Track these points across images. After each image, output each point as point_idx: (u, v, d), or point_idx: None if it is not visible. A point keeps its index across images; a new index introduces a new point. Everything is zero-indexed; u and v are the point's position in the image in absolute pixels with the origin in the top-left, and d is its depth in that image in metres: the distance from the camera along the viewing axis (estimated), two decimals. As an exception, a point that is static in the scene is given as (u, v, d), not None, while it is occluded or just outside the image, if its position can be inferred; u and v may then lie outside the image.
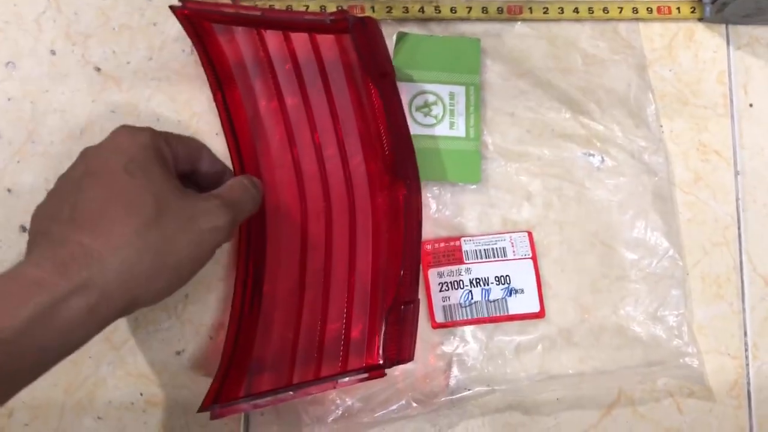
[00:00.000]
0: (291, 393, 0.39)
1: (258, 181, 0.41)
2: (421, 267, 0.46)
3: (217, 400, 0.40)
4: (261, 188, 0.40)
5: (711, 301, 0.48)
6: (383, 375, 0.39)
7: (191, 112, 0.46)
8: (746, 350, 0.48)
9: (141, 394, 0.44)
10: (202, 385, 0.44)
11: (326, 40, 0.43)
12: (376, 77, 0.42)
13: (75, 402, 0.43)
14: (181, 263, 0.34)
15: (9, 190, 0.45)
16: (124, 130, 0.36)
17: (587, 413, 0.46)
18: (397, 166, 0.42)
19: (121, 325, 0.44)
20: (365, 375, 0.39)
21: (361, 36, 0.41)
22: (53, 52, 0.46)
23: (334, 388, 0.40)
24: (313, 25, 0.42)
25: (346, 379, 0.39)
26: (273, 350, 0.42)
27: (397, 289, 0.40)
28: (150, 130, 0.36)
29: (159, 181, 0.34)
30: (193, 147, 0.41)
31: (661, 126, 0.49)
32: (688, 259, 0.48)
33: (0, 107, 0.45)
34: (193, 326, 0.44)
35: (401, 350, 0.40)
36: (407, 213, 0.41)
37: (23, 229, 0.44)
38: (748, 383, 0.48)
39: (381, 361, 0.39)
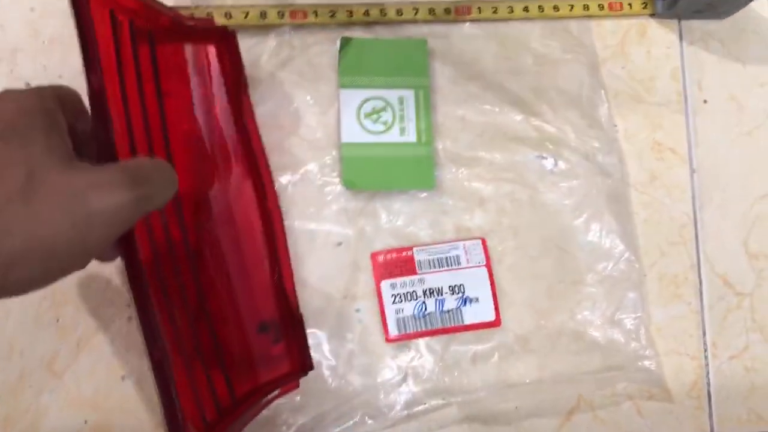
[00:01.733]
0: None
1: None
2: (372, 278, 0.45)
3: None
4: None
5: (669, 301, 0.48)
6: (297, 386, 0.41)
7: (129, 126, 0.44)
8: (705, 350, 0.48)
9: (86, 422, 0.42)
10: (150, 410, 0.42)
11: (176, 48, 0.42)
12: (234, 93, 0.42)
13: (16, 433, 0.42)
14: (57, 250, 0.27)
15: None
16: (7, 95, 0.30)
17: (547, 421, 0.46)
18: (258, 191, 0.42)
19: (62, 351, 0.43)
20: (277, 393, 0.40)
21: (227, 47, 0.41)
22: (-20, 69, 0.44)
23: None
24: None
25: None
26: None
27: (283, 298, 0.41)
28: (37, 92, 0.30)
29: (39, 150, 0.28)
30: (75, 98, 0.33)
31: (615, 125, 0.48)
32: (645, 259, 0.48)
33: (-75, 128, 0.43)
34: (137, 350, 0.43)
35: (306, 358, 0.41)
36: (268, 223, 0.42)
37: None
38: (708, 383, 0.47)
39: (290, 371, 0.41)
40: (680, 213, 0.49)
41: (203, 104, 0.42)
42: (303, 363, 0.41)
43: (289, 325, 0.41)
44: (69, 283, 0.43)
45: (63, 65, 0.44)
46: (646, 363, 0.46)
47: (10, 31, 0.44)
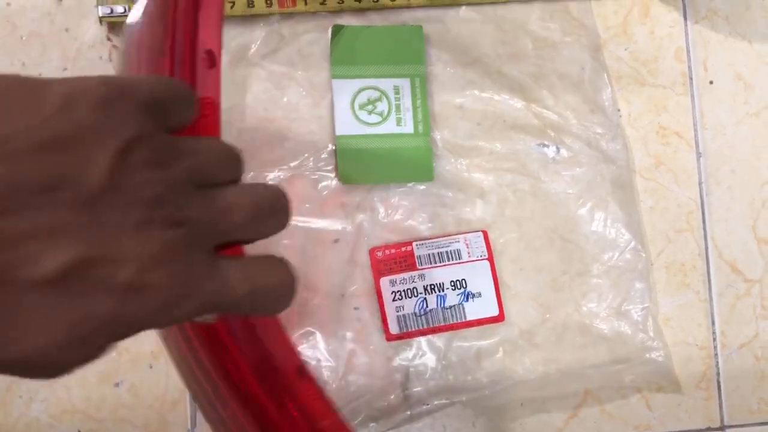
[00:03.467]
0: None
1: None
2: (371, 275, 0.43)
3: None
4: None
5: (676, 290, 0.46)
6: None
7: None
8: (714, 339, 0.46)
9: (79, 431, 0.41)
10: (145, 418, 0.41)
11: None
12: None
13: (6, 445, 0.41)
14: None
15: None
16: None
17: (553, 416, 0.45)
18: None
19: (51, 360, 0.41)
20: None
21: None
22: (-45, 67, 0.42)
23: None
24: None
25: None
26: None
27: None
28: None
29: None
30: None
31: (619, 110, 0.47)
32: (651, 248, 0.46)
33: None
34: (130, 355, 0.41)
35: None
36: None
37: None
38: (718, 374, 0.46)
39: None
40: (687, 199, 0.47)
41: None
42: None
43: None
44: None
45: (42, 61, 0.42)
46: (654, 354, 0.45)
47: (-14, 26, 0.42)
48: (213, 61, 0.29)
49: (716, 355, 0.46)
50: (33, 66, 0.42)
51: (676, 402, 0.46)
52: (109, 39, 0.43)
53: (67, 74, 0.42)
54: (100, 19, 0.42)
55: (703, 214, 0.47)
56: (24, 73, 0.41)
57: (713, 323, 0.46)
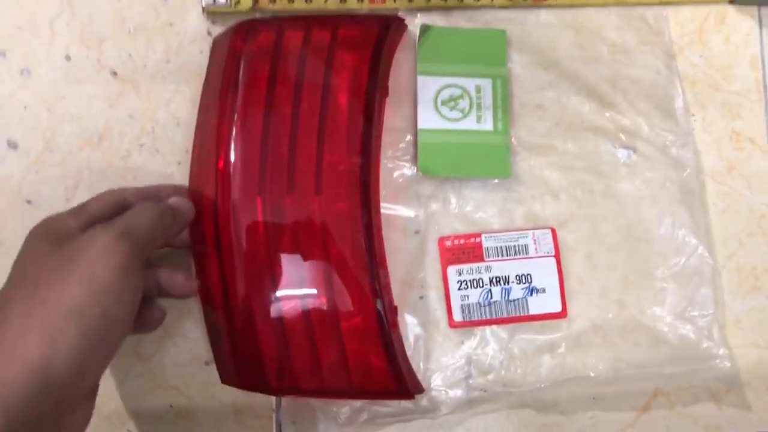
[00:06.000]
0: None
1: (179, 205, 0.39)
2: (439, 263, 0.45)
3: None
4: (181, 211, 0.39)
5: (748, 293, 0.47)
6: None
7: (210, 114, 0.44)
8: (784, 344, 0.47)
9: (171, 407, 0.44)
10: (232, 395, 0.44)
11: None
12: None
13: (105, 415, 0.43)
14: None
15: (29, 202, 0.44)
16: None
17: (623, 414, 0.46)
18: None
19: (146, 337, 0.44)
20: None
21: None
22: (68, 58, 0.45)
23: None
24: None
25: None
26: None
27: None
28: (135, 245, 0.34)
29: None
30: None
31: (693, 115, 0.47)
32: (722, 250, 0.47)
33: (16, 116, 0.44)
34: (218, 333, 0.44)
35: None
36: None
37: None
38: (788, 378, 0.46)
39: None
40: (759, 204, 0.48)
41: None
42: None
43: None
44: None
45: (147, 53, 0.45)
46: (718, 362, 0.45)
47: (98, 19, 0.45)
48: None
49: (787, 359, 0.47)
50: (138, 57, 0.45)
51: (747, 404, 0.46)
52: (209, 34, 0.45)
53: (170, 66, 0.45)
54: (203, 9, 0.44)
55: (774, 219, 0.48)
56: (129, 64, 0.44)
57: (783, 327, 0.47)
